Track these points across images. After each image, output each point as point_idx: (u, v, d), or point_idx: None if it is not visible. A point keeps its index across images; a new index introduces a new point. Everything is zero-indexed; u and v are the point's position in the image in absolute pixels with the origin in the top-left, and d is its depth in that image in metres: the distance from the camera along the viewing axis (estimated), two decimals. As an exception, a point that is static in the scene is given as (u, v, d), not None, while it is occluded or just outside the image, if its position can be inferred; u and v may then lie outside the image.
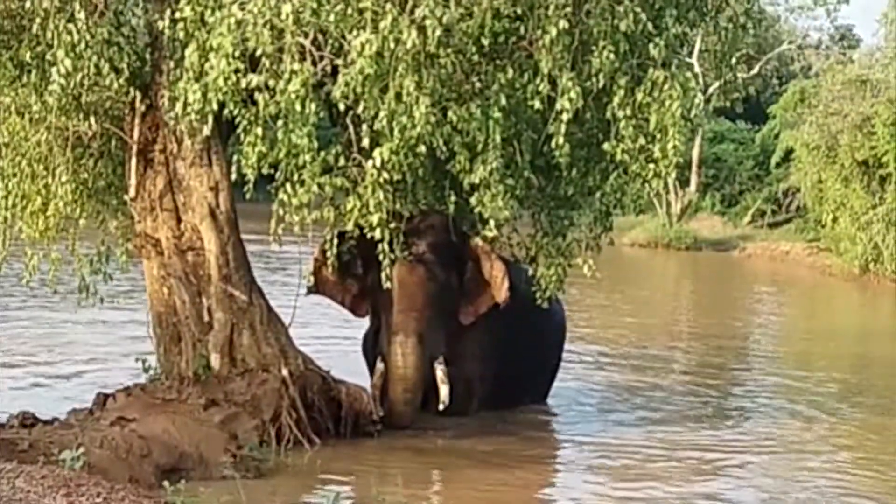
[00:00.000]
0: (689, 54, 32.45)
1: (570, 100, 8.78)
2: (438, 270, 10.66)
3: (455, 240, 10.56)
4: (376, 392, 10.59)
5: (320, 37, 8.71)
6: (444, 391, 10.58)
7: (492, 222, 9.46)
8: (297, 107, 8.51)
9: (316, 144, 8.74)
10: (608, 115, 9.21)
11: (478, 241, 10.62)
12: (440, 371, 10.59)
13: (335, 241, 10.05)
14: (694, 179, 37.79)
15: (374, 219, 9.02)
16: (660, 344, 16.88)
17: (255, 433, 9.59)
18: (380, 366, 10.63)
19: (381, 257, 9.50)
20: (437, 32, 8.39)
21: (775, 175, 37.22)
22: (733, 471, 10.32)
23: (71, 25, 8.79)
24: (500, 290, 10.68)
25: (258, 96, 8.63)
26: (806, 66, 42.31)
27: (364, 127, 8.81)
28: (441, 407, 10.60)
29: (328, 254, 10.14)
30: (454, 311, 10.83)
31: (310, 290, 10.78)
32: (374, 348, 10.95)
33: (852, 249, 27.88)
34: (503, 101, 8.95)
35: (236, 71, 8.52)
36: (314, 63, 8.67)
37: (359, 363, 11.32)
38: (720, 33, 10.41)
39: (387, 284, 9.83)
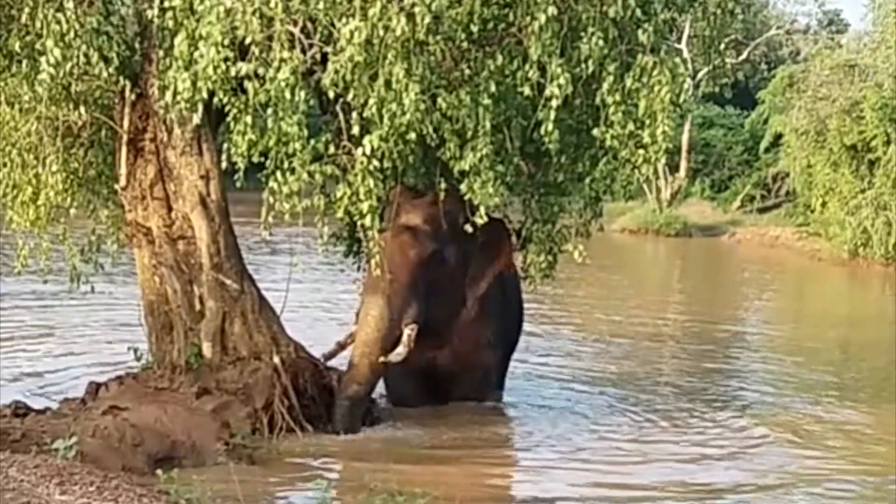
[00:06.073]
0: (678, 40, 32.56)
1: (560, 86, 8.79)
2: (431, 244, 10.44)
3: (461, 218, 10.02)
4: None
5: (309, 25, 8.71)
6: (399, 350, 10.24)
7: (482, 209, 9.47)
8: (287, 95, 8.50)
9: (306, 132, 8.72)
10: (597, 101, 9.22)
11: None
12: (407, 333, 10.27)
13: None
14: (683, 165, 37.86)
15: (365, 206, 8.97)
16: (647, 330, 16.86)
17: (247, 421, 9.61)
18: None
19: (370, 244, 9.45)
20: (427, 19, 8.38)
21: (764, 160, 37.28)
22: (718, 460, 10.26)
23: (60, 15, 8.75)
24: (508, 256, 10.61)
25: (248, 84, 8.62)
26: (794, 52, 42.36)
27: (354, 115, 8.78)
28: (397, 358, 10.29)
29: None
30: (451, 289, 10.61)
31: None
32: None
33: (841, 234, 27.93)
34: (493, 88, 8.97)
35: (226, 59, 8.50)
36: (303, 51, 8.66)
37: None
38: (709, 19, 10.42)
39: (377, 272, 9.80)
